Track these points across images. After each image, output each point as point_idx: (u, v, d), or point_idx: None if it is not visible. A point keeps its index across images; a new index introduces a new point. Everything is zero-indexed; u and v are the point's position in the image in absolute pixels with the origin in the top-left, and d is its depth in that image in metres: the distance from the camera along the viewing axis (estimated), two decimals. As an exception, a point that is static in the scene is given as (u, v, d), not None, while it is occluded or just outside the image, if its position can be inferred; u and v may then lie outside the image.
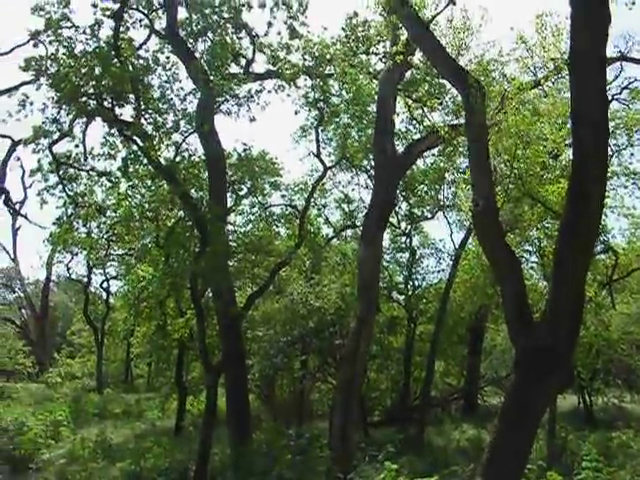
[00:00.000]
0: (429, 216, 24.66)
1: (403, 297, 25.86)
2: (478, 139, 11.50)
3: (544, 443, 16.76)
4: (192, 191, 18.77)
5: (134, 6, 18.22)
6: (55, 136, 19.67)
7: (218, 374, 17.79)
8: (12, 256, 47.12)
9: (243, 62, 19.34)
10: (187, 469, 17.41)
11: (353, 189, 23.88)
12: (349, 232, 27.45)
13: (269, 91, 19.45)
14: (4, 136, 24.69)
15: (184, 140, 18.56)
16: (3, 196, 26.34)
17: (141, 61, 18.19)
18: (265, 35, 19.33)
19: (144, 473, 17.26)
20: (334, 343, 21.41)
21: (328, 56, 19.31)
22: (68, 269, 41.59)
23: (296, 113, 20.33)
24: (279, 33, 19.31)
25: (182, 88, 18.24)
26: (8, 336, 40.38)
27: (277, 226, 22.82)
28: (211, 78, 17.11)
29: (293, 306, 22.14)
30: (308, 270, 24.36)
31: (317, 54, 19.27)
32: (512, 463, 8.76)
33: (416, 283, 26.08)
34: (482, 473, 8.62)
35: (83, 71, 17.53)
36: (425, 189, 23.51)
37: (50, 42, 17.94)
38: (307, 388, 24.78)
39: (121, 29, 17.79)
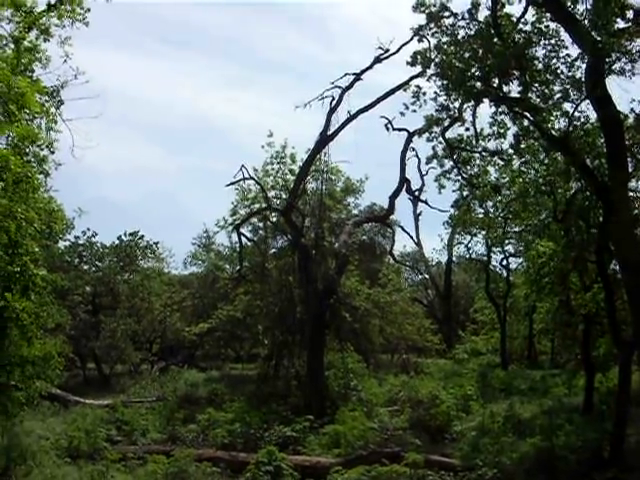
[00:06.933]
0: None
1: None
2: None
3: None
4: (588, 160, 18.05)
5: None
6: (446, 123, 20.73)
7: (631, 350, 16.82)
8: (415, 240, 50.64)
9: (630, 14, 17.71)
10: (600, 448, 16.80)
11: None
12: None
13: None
14: (401, 129, 26.49)
15: (575, 108, 17.92)
16: (405, 185, 28.24)
17: (522, 35, 18.01)
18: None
19: (556, 450, 17.09)
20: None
21: None
22: (468, 249, 43.01)
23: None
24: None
25: (568, 55, 17.54)
26: (417, 315, 43.11)
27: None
28: (598, 39, 16.10)
29: None
30: None
31: None
32: None
33: None
34: None
35: (467, 55, 18.07)
36: None
37: (433, 34, 18.86)
38: None
39: (497, 6, 17.82)
